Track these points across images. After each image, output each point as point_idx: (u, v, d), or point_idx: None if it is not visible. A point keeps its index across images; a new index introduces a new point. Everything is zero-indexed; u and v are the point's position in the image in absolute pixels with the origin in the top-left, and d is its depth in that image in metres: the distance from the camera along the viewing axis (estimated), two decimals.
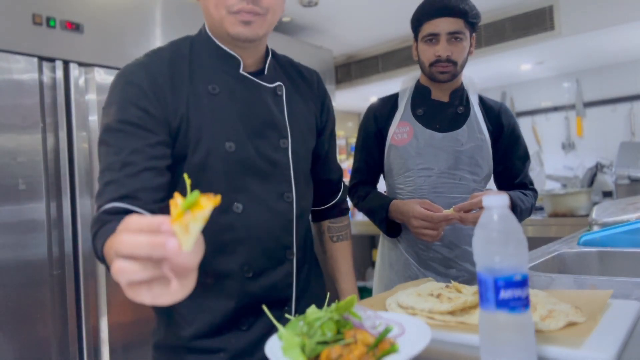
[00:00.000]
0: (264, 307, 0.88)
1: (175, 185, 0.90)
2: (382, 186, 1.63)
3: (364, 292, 3.35)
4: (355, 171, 1.62)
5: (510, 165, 1.54)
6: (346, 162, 4.19)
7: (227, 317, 0.97)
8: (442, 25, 1.40)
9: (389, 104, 1.58)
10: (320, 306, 0.74)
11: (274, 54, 1.09)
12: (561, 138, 4.00)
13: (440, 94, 1.52)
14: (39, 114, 1.77)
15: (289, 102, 1.04)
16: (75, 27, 1.89)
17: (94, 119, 1.91)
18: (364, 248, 4.36)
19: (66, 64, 1.86)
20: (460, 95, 1.51)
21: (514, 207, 1.38)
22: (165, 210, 0.48)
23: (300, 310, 1.03)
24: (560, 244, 1.60)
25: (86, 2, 1.93)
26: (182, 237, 0.45)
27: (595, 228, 1.62)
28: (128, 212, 0.81)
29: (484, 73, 3.80)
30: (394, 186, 1.54)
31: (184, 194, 0.48)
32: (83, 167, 1.88)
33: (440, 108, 1.51)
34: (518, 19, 3.17)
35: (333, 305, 0.70)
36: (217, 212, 0.93)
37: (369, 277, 4.19)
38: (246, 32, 0.91)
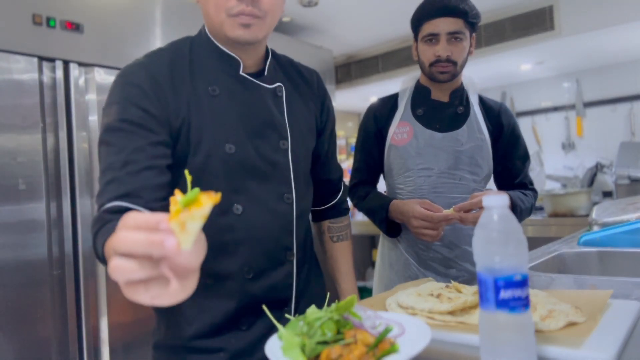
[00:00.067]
0: (264, 307, 0.88)
1: (176, 187, 0.90)
2: (382, 186, 1.63)
3: (364, 292, 3.35)
4: (355, 171, 1.62)
5: (510, 165, 1.54)
6: (346, 162, 4.19)
7: (227, 317, 0.97)
8: (442, 25, 1.40)
9: (389, 104, 1.58)
10: (320, 306, 0.74)
11: (274, 54, 1.09)
12: (561, 138, 4.00)
13: (440, 94, 1.52)
14: (39, 114, 1.77)
15: (288, 102, 1.04)
16: (75, 27, 1.89)
17: (94, 119, 1.91)
18: (364, 248, 4.36)
19: (66, 64, 1.86)
20: (460, 95, 1.51)
21: (514, 207, 1.38)
22: (167, 209, 0.46)
23: (300, 311, 1.03)
24: (560, 244, 1.60)
25: (86, 2, 1.93)
26: (180, 235, 0.43)
27: (595, 228, 1.62)
28: (130, 211, 0.80)
29: (484, 73, 3.80)
30: (394, 186, 1.54)
31: (185, 193, 0.48)
32: (83, 167, 1.88)
33: (440, 108, 1.51)
34: (518, 19, 3.17)
35: (333, 305, 0.70)
36: (217, 214, 0.94)
37: (369, 277, 4.19)
38: (245, 35, 0.91)
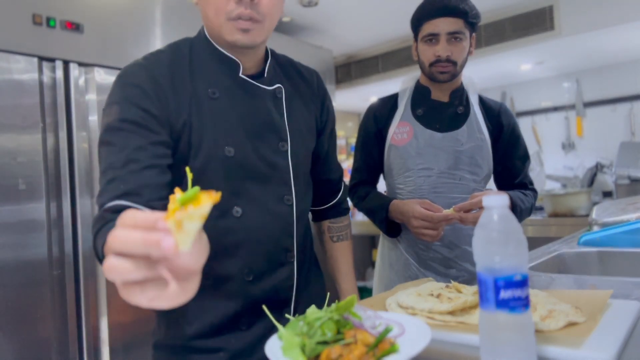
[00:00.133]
0: (264, 308, 0.89)
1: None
2: (382, 186, 1.63)
3: (364, 292, 3.35)
4: (355, 171, 1.62)
5: (510, 165, 1.54)
6: (346, 162, 4.19)
7: (227, 318, 0.97)
8: (442, 25, 1.40)
9: (389, 104, 1.58)
10: (320, 306, 0.74)
11: (274, 54, 1.08)
12: (561, 138, 4.00)
13: (440, 94, 1.52)
14: (39, 114, 1.77)
15: (288, 104, 1.04)
16: (75, 27, 1.89)
17: (94, 119, 1.91)
18: (364, 248, 4.36)
19: (66, 64, 1.86)
20: (460, 95, 1.51)
21: (514, 207, 1.38)
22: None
23: (300, 311, 1.03)
24: (560, 244, 1.60)
25: (86, 2, 1.93)
26: (178, 235, 0.41)
27: (595, 228, 1.62)
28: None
29: (484, 73, 3.80)
30: (394, 186, 1.54)
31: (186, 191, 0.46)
32: (83, 167, 1.88)
33: (440, 108, 1.51)
34: (518, 19, 3.17)
35: (333, 305, 0.70)
36: (216, 216, 0.94)
37: (369, 277, 4.19)
38: (244, 39, 0.91)
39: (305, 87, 1.10)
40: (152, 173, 0.83)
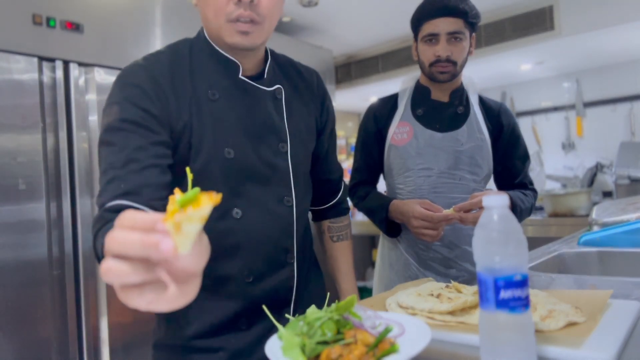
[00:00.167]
0: (264, 308, 0.89)
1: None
2: (382, 186, 1.63)
3: (364, 292, 3.35)
4: (355, 171, 1.62)
5: (510, 165, 1.54)
6: (346, 162, 4.19)
7: (227, 318, 0.97)
8: (442, 25, 1.40)
9: (389, 104, 1.58)
10: (320, 306, 0.74)
11: (274, 54, 1.08)
12: (561, 138, 4.00)
13: (440, 94, 1.52)
14: (39, 114, 1.77)
15: (288, 104, 1.04)
16: (75, 27, 1.89)
17: (94, 119, 1.91)
18: (364, 248, 4.37)
19: (66, 64, 1.86)
20: (460, 95, 1.51)
21: (514, 207, 1.38)
22: None
23: (300, 311, 1.03)
24: (560, 244, 1.60)
25: (86, 2, 1.93)
26: (177, 237, 0.40)
27: (595, 228, 1.62)
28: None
29: (484, 73, 3.80)
30: (394, 186, 1.54)
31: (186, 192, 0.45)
32: (83, 167, 1.88)
33: (440, 108, 1.51)
34: (518, 19, 3.17)
35: (333, 305, 0.70)
36: (216, 218, 0.94)
37: (369, 277, 4.19)
38: (244, 42, 0.91)
39: (305, 88, 1.10)
40: (153, 173, 0.83)
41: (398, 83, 1.64)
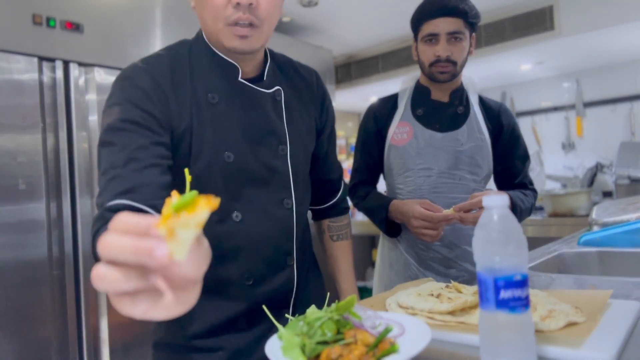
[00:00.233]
0: (264, 308, 0.89)
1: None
2: (382, 186, 1.63)
3: (364, 292, 3.35)
4: (355, 171, 1.62)
5: (510, 165, 1.54)
6: (346, 162, 4.19)
7: (227, 319, 0.97)
8: (442, 25, 1.40)
9: (389, 104, 1.58)
10: (319, 307, 0.74)
11: (273, 55, 1.08)
12: (561, 138, 4.00)
13: (440, 94, 1.52)
14: (39, 114, 1.77)
15: (288, 106, 1.03)
16: (75, 27, 1.89)
17: (94, 119, 1.91)
18: (364, 248, 4.37)
19: (66, 64, 1.86)
20: (460, 95, 1.51)
21: (514, 207, 1.38)
22: None
23: (299, 312, 1.03)
24: (560, 244, 1.60)
25: (86, 2, 1.93)
26: (172, 244, 0.37)
27: (595, 228, 1.62)
28: (133, 210, 0.77)
29: (484, 73, 3.80)
30: (394, 186, 1.54)
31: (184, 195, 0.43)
32: (83, 167, 1.88)
33: (440, 108, 1.51)
34: (518, 19, 3.17)
35: (333, 305, 0.70)
36: (215, 222, 0.94)
37: (369, 277, 4.19)
38: (243, 46, 0.90)
39: (305, 88, 1.10)
40: (154, 172, 0.82)
41: (398, 83, 1.64)
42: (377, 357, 0.61)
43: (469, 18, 1.40)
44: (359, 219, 3.82)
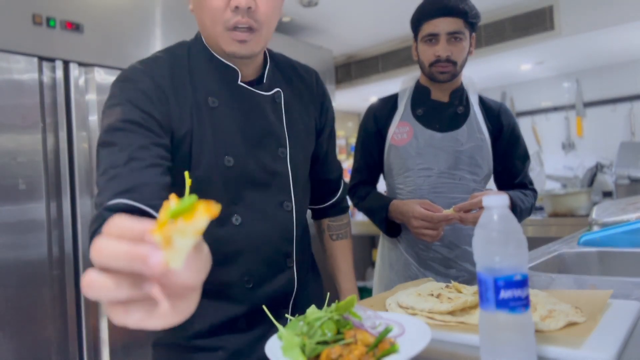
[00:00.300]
0: (264, 308, 0.89)
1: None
2: (382, 186, 1.63)
3: (364, 292, 3.35)
4: (355, 171, 1.62)
5: (510, 165, 1.54)
6: (346, 162, 4.19)
7: (227, 319, 0.97)
8: (442, 25, 1.40)
9: (389, 104, 1.58)
10: (318, 307, 0.74)
11: (272, 56, 1.07)
12: (561, 138, 4.00)
13: (440, 94, 1.52)
14: (39, 114, 1.77)
15: (287, 108, 1.03)
16: (75, 27, 1.89)
17: (94, 119, 1.91)
18: (364, 248, 4.37)
19: (66, 64, 1.86)
20: (460, 95, 1.51)
21: (514, 207, 1.38)
22: None
23: (298, 311, 1.03)
24: (560, 244, 1.60)
25: (86, 2, 1.93)
26: (168, 251, 0.35)
27: (595, 228, 1.62)
28: (133, 210, 0.75)
29: (484, 73, 3.80)
30: (393, 186, 1.54)
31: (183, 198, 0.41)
32: (83, 167, 1.88)
33: (440, 108, 1.51)
34: (518, 19, 3.17)
35: (333, 305, 0.70)
36: (215, 225, 0.93)
37: (369, 277, 4.19)
38: (242, 50, 0.90)
39: (304, 89, 1.10)
40: (155, 172, 0.80)
41: (398, 83, 1.64)
42: (377, 357, 0.61)
43: (469, 18, 1.40)
44: (359, 219, 3.82)
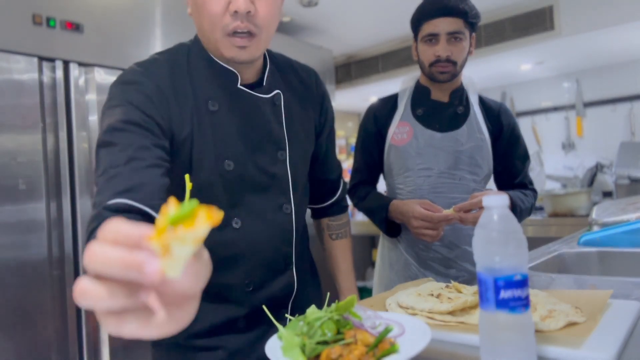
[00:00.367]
0: (264, 307, 0.89)
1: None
2: (382, 186, 1.63)
3: (364, 292, 3.35)
4: (355, 171, 1.62)
5: (510, 165, 1.54)
6: (346, 162, 4.19)
7: (227, 319, 0.97)
8: (442, 25, 1.40)
9: (389, 104, 1.58)
10: (317, 307, 0.74)
11: (272, 57, 1.06)
12: (561, 138, 4.00)
13: (440, 94, 1.52)
14: (39, 114, 1.77)
15: (287, 110, 1.02)
16: (75, 27, 1.89)
17: (94, 119, 1.91)
18: (364, 248, 4.36)
19: (66, 64, 1.86)
20: (460, 95, 1.51)
21: (514, 207, 1.38)
22: None
23: (298, 311, 1.04)
24: (560, 244, 1.60)
25: (86, 2, 1.93)
26: (165, 260, 0.33)
27: (595, 228, 1.62)
28: (133, 210, 0.74)
29: (484, 73, 3.80)
30: (393, 186, 1.54)
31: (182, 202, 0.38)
32: (83, 167, 1.88)
33: (440, 108, 1.51)
34: (518, 19, 3.17)
35: (333, 305, 0.70)
36: (215, 229, 0.91)
37: (369, 277, 4.19)
38: (242, 56, 0.89)
39: (304, 90, 1.09)
40: (157, 172, 0.80)
41: (398, 83, 1.64)
42: (377, 357, 0.61)
43: (469, 18, 1.40)
44: (359, 219, 3.82)
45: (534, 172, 3.51)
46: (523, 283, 0.58)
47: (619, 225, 1.46)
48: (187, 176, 0.52)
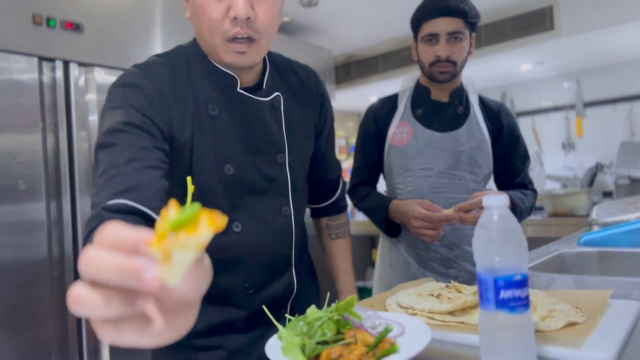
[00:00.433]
0: (264, 307, 0.89)
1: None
2: (382, 186, 1.63)
3: (364, 292, 3.35)
4: (355, 171, 1.62)
5: (510, 165, 1.54)
6: (346, 162, 4.19)
7: (227, 320, 0.97)
8: (442, 25, 1.40)
9: (389, 104, 1.58)
10: (315, 305, 0.74)
11: (271, 57, 1.05)
12: (561, 138, 4.00)
13: (440, 94, 1.52)
14: (39, 114, 1.77)
15: (286, 112, 1.02)
16: (75, 27, 1.89)
17: (94, 119, 1.91)
18: (364, 248, 4.36)
19: (66, 64, 1.86)
20: (460, 95, 1.51)
21: (514, 207, 1.38)
22: None
23: (297, 312, 1.04)
24: (560, 244, 1.60)
25: (86, 2, 1.93)
26: (165, 266, 0.32)
27: (595, 228, 1.62)
28: (133, 213, 0.73)
29: (484, 73, 3.80)
30: (394, 186, 1.54)
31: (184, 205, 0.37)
32: (83, 167, 1.88)
33: (440, 108, 1.51)
34: (518, 19, 3.17)
35: (333, 305, 0.70)
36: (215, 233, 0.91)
37: (369, 277, 4.19)
38: (242, 62, 0.88)
39: (303, 90, 1.08)
40: (158, 174, 0.79)
41: (398, 83, 1.64)
42: (377, 357, 0.61)
43: (469, 18, 1.40)
44: (359, 219, 3.82)
45: (534, 172, 3.51)
46: (523, 283, 0.58)
47: (619, 225, 1.46)
48: (189, 178, 0.52)
